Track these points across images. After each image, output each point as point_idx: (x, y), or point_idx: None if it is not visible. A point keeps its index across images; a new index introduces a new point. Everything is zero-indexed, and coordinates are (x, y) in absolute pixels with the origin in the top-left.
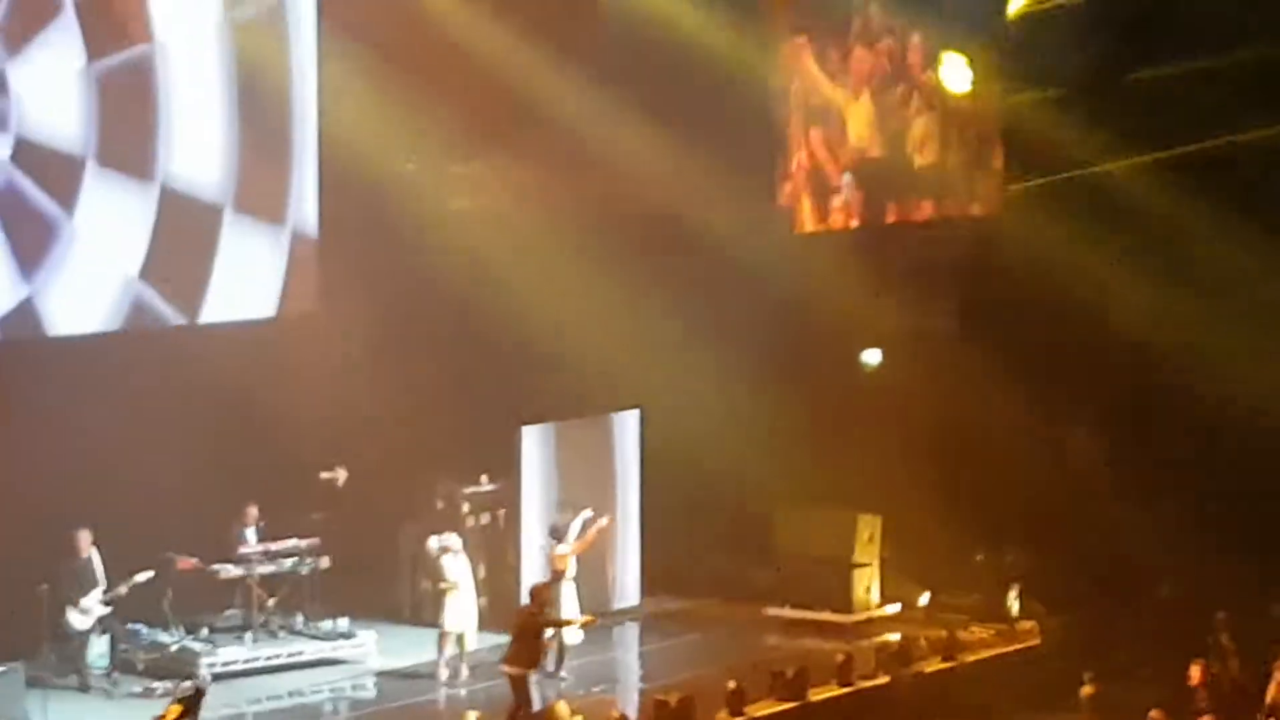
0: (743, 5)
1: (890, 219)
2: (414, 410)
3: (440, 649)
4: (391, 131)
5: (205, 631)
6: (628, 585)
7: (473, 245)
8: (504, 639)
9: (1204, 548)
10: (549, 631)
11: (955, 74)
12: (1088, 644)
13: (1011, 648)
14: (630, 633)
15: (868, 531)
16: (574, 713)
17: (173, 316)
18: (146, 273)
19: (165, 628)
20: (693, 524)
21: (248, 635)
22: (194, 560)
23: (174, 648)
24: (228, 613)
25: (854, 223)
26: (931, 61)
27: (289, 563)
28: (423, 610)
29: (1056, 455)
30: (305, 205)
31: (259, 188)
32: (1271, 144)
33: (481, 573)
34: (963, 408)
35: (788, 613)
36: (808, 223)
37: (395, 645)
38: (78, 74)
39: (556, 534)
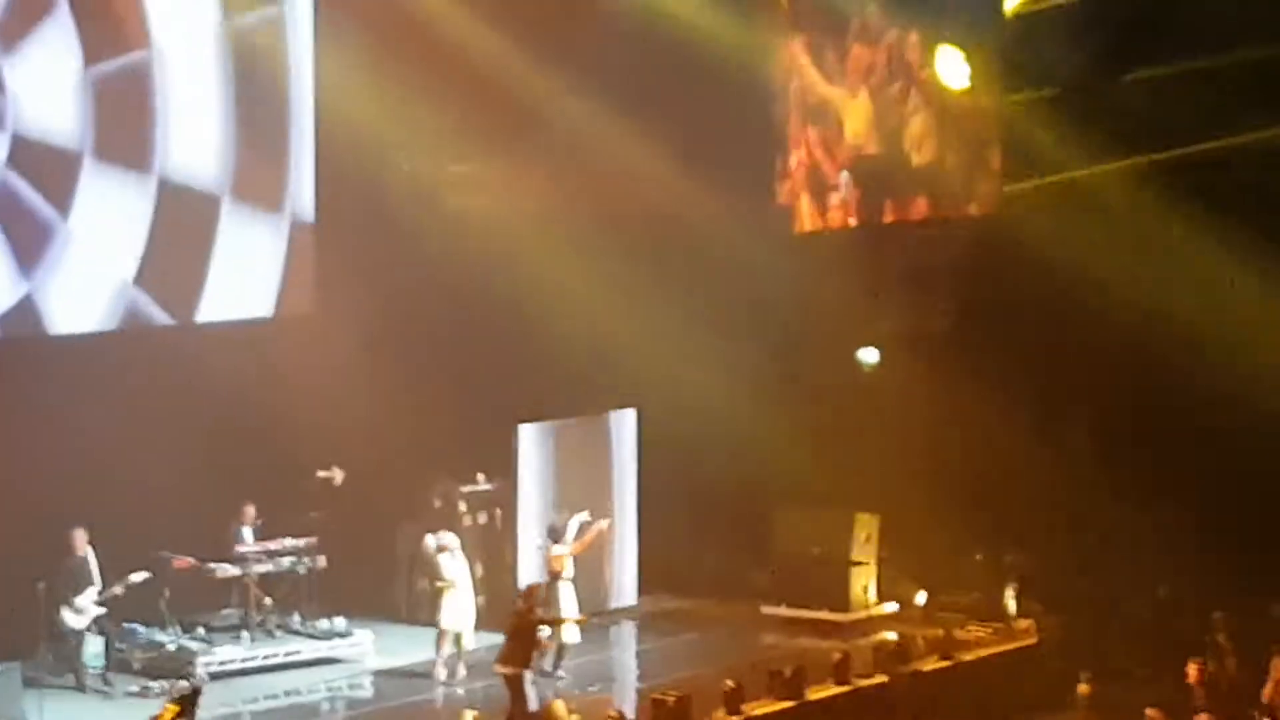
0: (741, 4)
1: (888, 217)
2: (411, 409)
3: (438, 648)
4: (389, 129)
5: (202, 631)
6: (625, 584)
7: (470, 243)
8: (501, 638)
9: (1202, 547)
10: (545, 631)
11: (952, 69)
12: (1085, 643)
13: (1009, 647)
14: (627, 632)
15: (865, 531)
16: (571, 712)
17: (170, 314)
18: (144, 270)
19: (162, 627)
20: (690, 523)
21: (245, 634)
22: (191, 559)
23: (171, 647)
24: (224, 612)
25: (852, 221)
26: (929, 59)
27: (286, 562)
28: (420, 609)
29: (1054, 455)
30: (303, 194)
31: (256, 176)
32: (1270, 144)
33: (479, 572)
34: (960, 407)
35: (785, 612)
36: (807, 221)
37: (392, 644)
38: (74, 75)
39: (554, 534)
